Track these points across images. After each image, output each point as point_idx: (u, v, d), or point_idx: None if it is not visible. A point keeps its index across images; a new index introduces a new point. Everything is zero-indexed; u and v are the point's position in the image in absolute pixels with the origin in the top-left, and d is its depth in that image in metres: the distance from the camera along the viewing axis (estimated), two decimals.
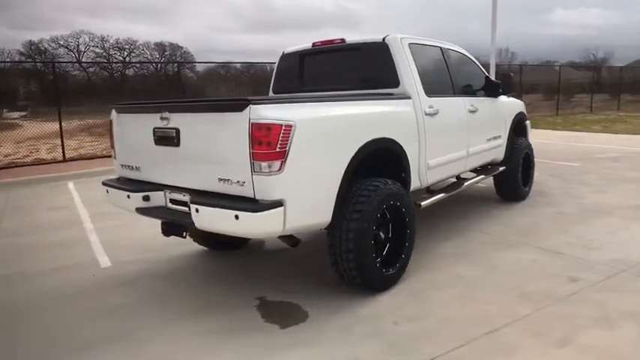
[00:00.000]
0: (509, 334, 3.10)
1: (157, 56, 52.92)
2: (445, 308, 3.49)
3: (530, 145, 6.63)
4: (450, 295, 3.69)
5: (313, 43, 4.91)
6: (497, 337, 3.08)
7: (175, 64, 46.32)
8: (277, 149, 2.96)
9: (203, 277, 4.33)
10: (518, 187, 6.33)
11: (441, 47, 5.06)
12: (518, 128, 6.42)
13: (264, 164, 2.96)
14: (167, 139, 3.50)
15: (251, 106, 2.97)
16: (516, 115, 6.36)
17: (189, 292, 3.99)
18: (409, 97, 4.21)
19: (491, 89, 5.67)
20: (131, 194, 3.73)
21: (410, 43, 4.44)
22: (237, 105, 3.02)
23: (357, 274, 3.54)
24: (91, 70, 42.84)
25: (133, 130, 3.86)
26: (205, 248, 4.97)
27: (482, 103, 5.45)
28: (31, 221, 6.58)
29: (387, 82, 4.32)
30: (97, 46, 51.87)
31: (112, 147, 4.15)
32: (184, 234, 3.77)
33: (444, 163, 4.68)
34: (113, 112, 4.07)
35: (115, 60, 51.74)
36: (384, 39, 4.36)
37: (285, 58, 5.22)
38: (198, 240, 4.82)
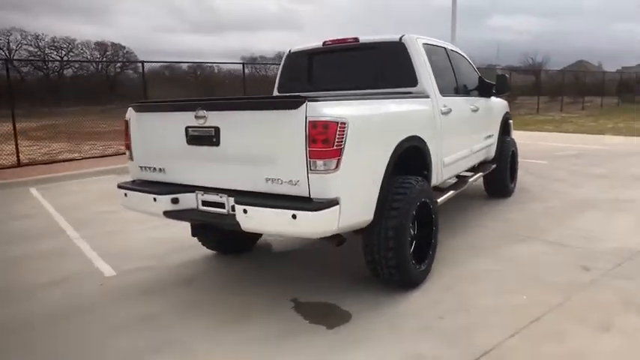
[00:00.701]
0: (553, 322, 3.23)
1: (98, 56, 50.43)
2: (482, 300, 3.59)
3: (516, 143, 6.94)
4: (483, 288, 3.80)
5: (324, 42, 4.88)
6: (543, 325, 3.21)
7: (119, 64, 44.66)
8: (334, 147, 2.92)
9: (226, 282, 4.18)
10: (506, 184, 6.61)
11: (445, 47, 5.20)
12: (504, 127, 6.71)
13: (320, 162, 2.91)
14: (204, 138, 3.35)
15: (308, 103, 2.91)
16: (504, 115, 6.64)
17: (219, 299, 3.83)
18: (428, 96, 4.29)
19: (486, 89, 5.89)
20: (158, 197, 3.54)
21: (423, 43, 4.53)
22: (292, 102, 2.96)
23: (396, 271, 3.56)
24: (24, 69, 40.09)
25: (159, 130, 3.67)
26: (212, 252, 4.81)
27: (479, 102, 5.65)
28: (5, 231, 6.07)
29: (405, 81, 4.37)
30: (31, 45, 48.61)
31: (128, 148, 3.92)
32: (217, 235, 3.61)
33: (455, 160, 4.81)
34: (130, 111, 3.85)
35: (51, 59, 48.81)
36: (400, 38, 4.42)
37: (292, 57, 5.16)
38: (210, 244, 4.66)
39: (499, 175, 6.46)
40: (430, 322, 3.30)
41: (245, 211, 3.08)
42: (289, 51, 5.20)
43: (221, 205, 3.38)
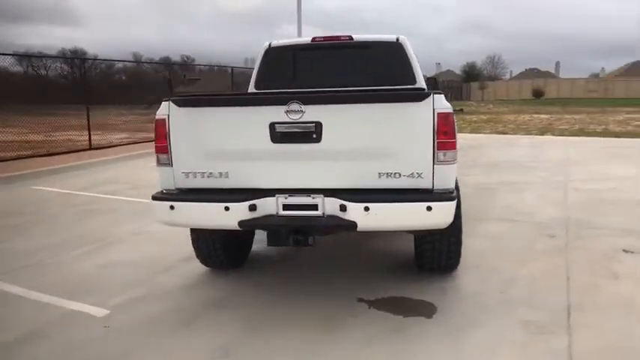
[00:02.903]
0: (579, 279, 3.91)
1: None
2: (514, 273, 4.05)
3: None
4: (498, 263, 4.27)
5: (313, 38, 4.78)
6: (574, 282, 3.85)
7: None
8: (455, 138, 3.01)
9: (268, 301, 3.70)
10: None
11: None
12: None
13: (445, 154, 2.97)
14: (300, 135, 3.02)
15: (434, 95, 2.93)
16: None
17: (284, 318, 3.40)
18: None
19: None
20: (232, 205, 3.05)
21: None
22: (416, 95, 2.95)
23: (454, 258, 3.79)
24: None
25: (225, 128, 3.13)
26: (196, 270, 4.24)
27: None
28: None
29: (404, 79, 4.62)
30: None
31: (163, 152, 3.22)
32: (309, 240, 3.25)
33: None
34: (170, 106, 3.17)
35: None
36: (397, 39, 4.66)
37: (272, 52, 4.89)
38: (212, 261, 4.10)
39: None
40: (501, 297, 3.63)
41: (367, 209, 2.92)
42: (269, 45, 4.91)
43: (313, 207, 3.09)
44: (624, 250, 4.51)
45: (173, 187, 3.26)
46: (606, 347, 2.91)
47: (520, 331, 3.10)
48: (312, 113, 3.00)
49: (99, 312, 3.57)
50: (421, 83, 4.65)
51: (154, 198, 3.21)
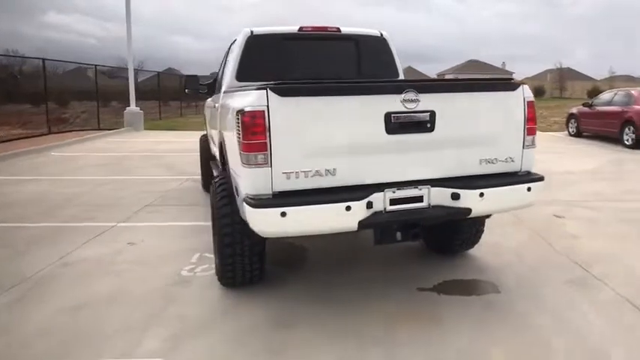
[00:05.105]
0: (583, 239, 4.73)
1: None
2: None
3: None
4: (525, 246, 4.67)
5: (301, 28, 4.51)
6: (581, 245, 4.60)
7: None
8: (536, 124, 3.31)
9: (336, 312, 3.44)
10: None
11: None
12: None
13: (531, 138, 3.25)
14: (414, 124, 2.89)
15: (523, 85, 3.17)
16: None
17: (368, 326, 3.22)
18: None
19: None
20: (354, 204, 2.76)
21: None
22: (512, 84, 3.13)
23: (480, 235, 4.15)
24: None
25: (338, 119, 2.77)
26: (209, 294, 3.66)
27: None
28: None
29: (388, 73, 4.77)
30: None
31: (261, 150, 2.68)
32: (418, 233, 3.12)
33: None
34: (269, 95, 2.65)
35: None
36: (381, 34, 4.76)
37: (254, 40, 4.42)
38: (242, 277, 3.52)
39: None
40: (536, 268, 4.09)
41: (482, 195, 3.00)
42: (251, 32, 4.42)
43: (418, 199, 3.02)
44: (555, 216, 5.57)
45: (270, 191, 2.75)
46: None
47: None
48: (426, 102, 2.92)
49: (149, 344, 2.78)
50: (402, 77, 4.85)
51: (256, 206, 2.66)
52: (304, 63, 4.60)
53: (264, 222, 2.69)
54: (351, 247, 4.61)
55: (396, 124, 2.87)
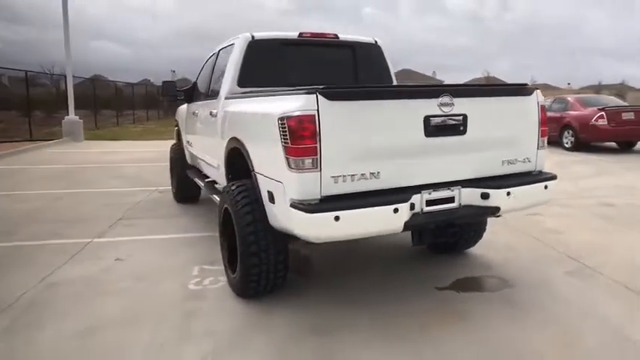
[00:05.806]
0: (566, 234, 5.03)
1: None
2: (515, 251, 4.78)
3: None
4: (516, 243, 4.92)
5: (301, 33, 4.51)
6: (566, 239, 4.92)
7: None
8: (545, 127, 3.53)
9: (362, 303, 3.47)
10: None
11: None
12: None
13: (542, 140, 3.47)
14: (449, 127, 3.00)
15: (537, 91, 3.39)
16: None
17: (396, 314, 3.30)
18: None
19: None
20: (400, 206, 2.80)
21: None
22: (528, 89, 3.34)
23: (482, 233, 4.35)
24: None
25: (380, 122, 2.80)
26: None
27: None
28: None
29: (383, 79, 4.89)
30: None
31: (311, 154, 2.65)
32: (455, 233, 3.23)
33: None
34: (318, 100, 2.62)
35: None
36: (375, 41, 4.87)
37: (256, 45, 4.35)
38: (269, 280, 3.44)
39: None
40: (535, 262, 4.32)
41: (508, 194, 3.16)
42: (251, 37, 4.34)
43: (450, 200, 3.12)
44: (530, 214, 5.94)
45: (318, 196, 2.72)
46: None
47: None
48: (459, 106, 3.04)
49: None
50: (395, 82, 4.98)
51: (309, 211, 2.62)
52: (303, 68, 4.59)
53: (317, 227, 2.66)
54: (350, 251, 4.64)
55: (433, 127, 2.97)
